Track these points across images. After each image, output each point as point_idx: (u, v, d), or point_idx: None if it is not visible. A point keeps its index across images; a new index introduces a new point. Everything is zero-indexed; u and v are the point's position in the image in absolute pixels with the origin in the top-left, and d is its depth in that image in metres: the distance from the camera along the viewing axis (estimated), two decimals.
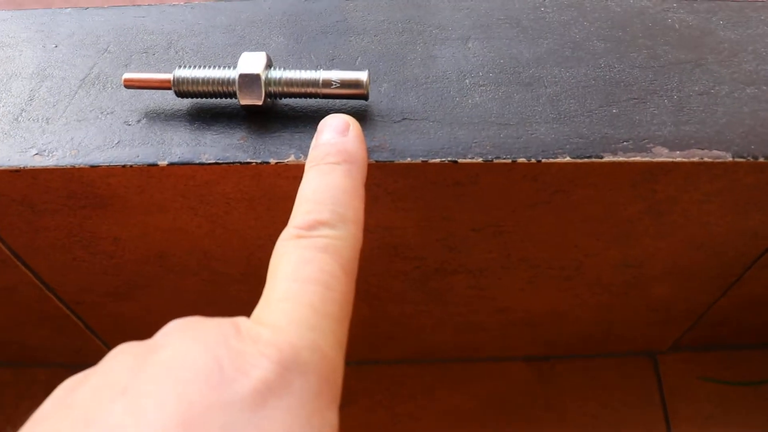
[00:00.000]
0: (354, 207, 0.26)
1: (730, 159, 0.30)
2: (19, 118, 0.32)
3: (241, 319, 0.22)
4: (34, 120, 0.32)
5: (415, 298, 0.43)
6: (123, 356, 0.22)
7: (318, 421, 0.20)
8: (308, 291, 0.23)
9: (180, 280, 0.41)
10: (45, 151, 0.31)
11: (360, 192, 0.26)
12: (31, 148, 0.31)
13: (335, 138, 0.27)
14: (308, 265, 0.23)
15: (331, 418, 0.21)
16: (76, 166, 0.31)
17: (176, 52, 0.35)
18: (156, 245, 0.37)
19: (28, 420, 0.21)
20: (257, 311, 0.23)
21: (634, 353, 0.54)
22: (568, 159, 0.30)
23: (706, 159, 0.30)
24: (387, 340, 0.51)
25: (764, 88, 0.33)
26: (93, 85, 0.34)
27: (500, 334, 0.49)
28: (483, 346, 0.52)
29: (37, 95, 0.33)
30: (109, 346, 0.50)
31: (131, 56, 0.35)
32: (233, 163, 0.30)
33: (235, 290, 0.42)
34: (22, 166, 0.31)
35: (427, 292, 0.42)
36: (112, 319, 0.47)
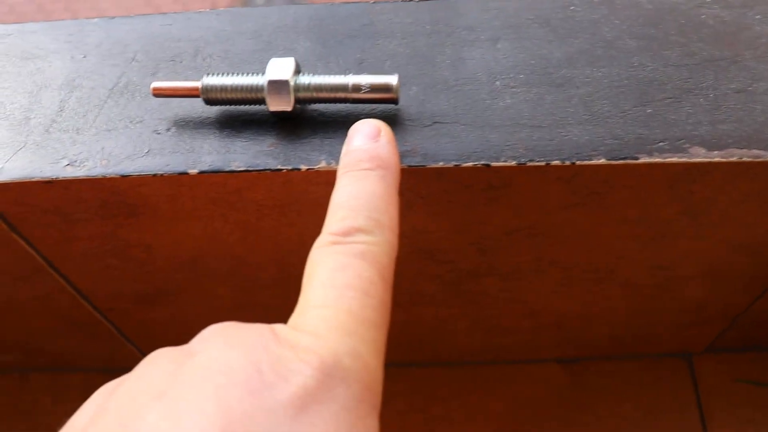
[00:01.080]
0: (389, 213, 0.25)
1: None
2: (50, 129, 0.32)
3: (278, 326, 0.22)
4: (64, 131, 0.32)
5: (448, 301, 0.43)
6: (159, 361, 0.22)
7: (361, 428, 0.20)
8: (347, 297, 0.22)
9: (211, 287, 0.41)
10: (76, 161, 0.31)
11: (394, 198, 0.26)
12: (63, 158, 0.31)
13: (367, 144, 0.27)
14: (345, 272, 0.23)
15: (373, 425, 0.21)
16: (107, 176, 0.31)
17: (203, 60, 0.35)
18: (187, 252, 0.37)
19: (65, 426, 0.21)
20: (294, 318, 0.23)
21: (669, 354, 0.53)
22: (603, 161, 0.29)
23: (745, 159, 0.30)
24: (420, 344, 0.50)
25: None
26: (122, 94, 0.34)
27: (532, 336, 0.49)
28: (514, 349, 0.52)
29: (67, 106, 0.33)
30: (142, 351, 0.51)
31: (159, 65, 0.35)
32: (264, 170, 0.30)
33: (266, 296, 0.42)
34: (54, 177, 0.31)
35: (460, 295, 0.42)
36: (144, 325, 0.47)
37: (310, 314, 0.22)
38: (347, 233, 0.24)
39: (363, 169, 0.26)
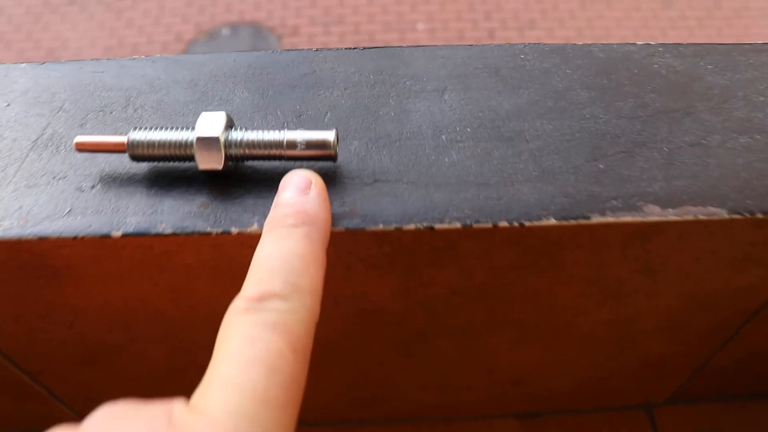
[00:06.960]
0: (311, 275, 0.24)
1: (726, 216, 0.28)
2: None
3: (176, 406, 0.20)
4: None
5: (398, 360, 0.41)
6: None
7: None
8: (251, 375, 0.21)
9: (146, 348, 0.39)
10: None
11: (319, 257, 0.24)
12: None
13: (295, 197, 0.26)
14: (254, 345, 0.21)
15: None
16: (24, 237, 0.28)
17: (135, 110, 0.33)
18: (117, 314, 0.35)
19: None
20: (196, 395, 0.21)
21: (629, 407, 0.51)
22: (553, 221, 0.28)
23: (700, 216, 0.28)
24: (371, 401, 0.48)
25: (757, 137, 0.31)
26: (45, 147, 0.31)
27: (488, 393, 0.47)
28: (471, 405, 0.50)
29: None
30: (75, 410, 0.48)
31: (87, 115, 0.33)
32: (192, 233, 0.28)
33: (204, 357, 0.39)
34: None
35: (410, 354, 0.40)
36: (78, 385, 0.44)
37: (211, 393, 0.21)
38: (262, 298, 0.23)
39: (287, 225, 0.25)
